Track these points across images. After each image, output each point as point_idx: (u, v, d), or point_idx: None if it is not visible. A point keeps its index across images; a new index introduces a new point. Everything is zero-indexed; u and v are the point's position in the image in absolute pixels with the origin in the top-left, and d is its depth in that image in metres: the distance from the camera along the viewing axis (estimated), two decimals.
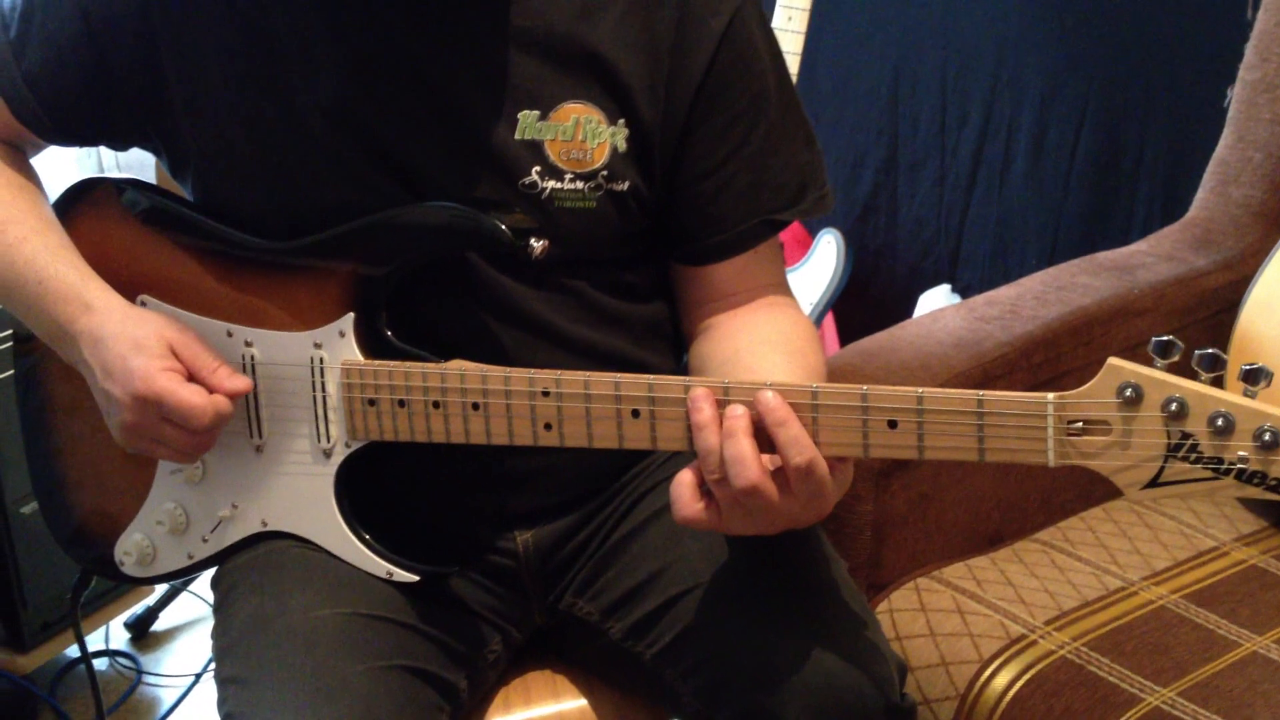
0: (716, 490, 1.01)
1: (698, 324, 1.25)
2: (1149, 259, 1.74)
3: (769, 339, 1.19)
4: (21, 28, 1.18)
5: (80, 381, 1.20)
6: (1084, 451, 0.96)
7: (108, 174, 1.27)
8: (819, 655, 1.08)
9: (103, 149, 1.26)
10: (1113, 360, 0.94)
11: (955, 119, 2.45)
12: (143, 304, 1.21)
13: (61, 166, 2.01)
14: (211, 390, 1.12)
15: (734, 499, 1.00)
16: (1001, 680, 1.30)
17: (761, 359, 1.15)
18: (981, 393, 0.97)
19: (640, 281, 1.25)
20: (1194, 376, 0.93)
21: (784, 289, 1.27)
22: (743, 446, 0.99)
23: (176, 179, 1.24)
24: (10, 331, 1.37)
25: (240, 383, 1.15)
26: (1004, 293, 1.66)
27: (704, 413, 1.01)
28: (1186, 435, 0.92)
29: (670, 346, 1.30)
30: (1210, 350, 0.92)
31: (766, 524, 1.02)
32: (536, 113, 1.15)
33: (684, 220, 1.22)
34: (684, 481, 1.02)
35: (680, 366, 1.31)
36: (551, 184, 1.16)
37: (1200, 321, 1.70)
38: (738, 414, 1.00)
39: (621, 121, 1.17)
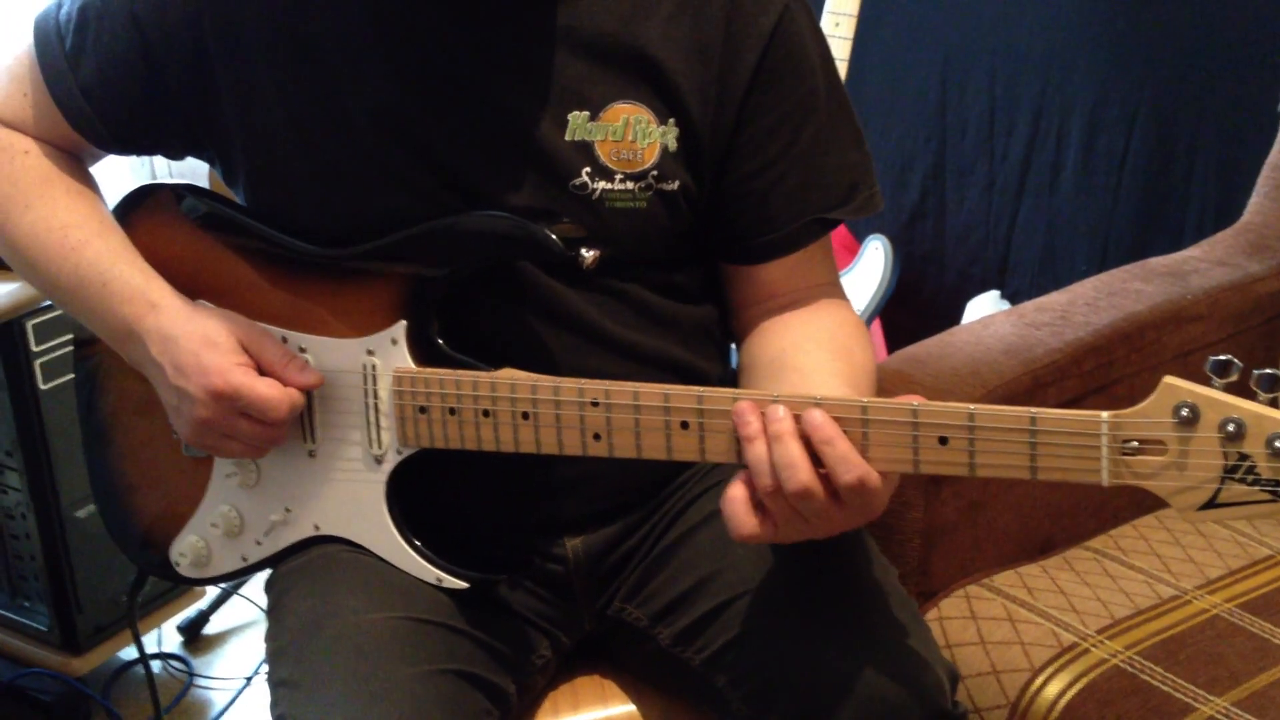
0: (769, 502, 1.00)
1: (750, 326, 1.25)
2: (1202, 264, 1.72)
3: (813, 336, 1.18)
4: (77, 40, 1.20)
5: (139, 385, 1.22)
6: (1138, 472, 0.94)
7: (162, 181, 1.29)
8: (869, 662, 1.08)
9: (156, 157, 1.29)
10: (1169, 379, 0.93)
11: (1004, 125, 2.43)
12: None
13: (116, 174, 2.04)
14: (284, 384, 1.14)
15: (789, 507, 1.00)
16: (1053, 689, 1.29)
17: (806, 356, 1.15)
18: (1035, 410, 0.96)
19: (691, 283, 1.25)
20: (1252, 396, 0.91)
21: (836, 289, 1.27)
22: (791, 450, 0.98)
23: (230, 186, 1.25)
24: (70, 335, 1.38)
25: (311, 376, 1.16)
26: (1055, 299, 1.65)
27: (751, 425, 1.01)
28: (1244, 457, 0.91)
29: (719, 351, 1.29)
30: (1269, 370, 0.91)
31: (822, 529, 1.02)
32: (586, 113, 1.15)
33: (734, 220, 1.22)
34: (736, 498, 1.01)
35: (728, 371, 1.31)
36: (602, 185, 1.16)
37: (1255, 328, 1.69)
38: (779, 416, 1.00)
39: (671, 121, 1.17)
